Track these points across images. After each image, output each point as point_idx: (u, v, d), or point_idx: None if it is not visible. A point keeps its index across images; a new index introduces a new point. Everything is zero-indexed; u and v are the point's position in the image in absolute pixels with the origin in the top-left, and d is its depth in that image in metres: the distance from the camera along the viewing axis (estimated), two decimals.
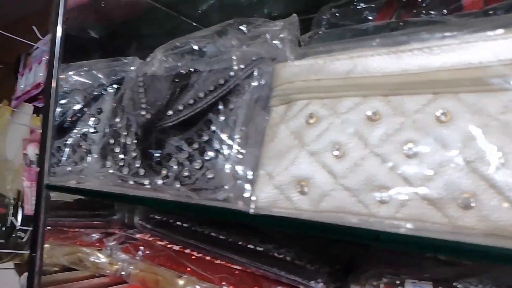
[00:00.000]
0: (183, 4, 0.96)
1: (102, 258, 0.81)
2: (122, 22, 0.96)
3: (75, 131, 0.78)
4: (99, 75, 0.86)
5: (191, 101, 0.60)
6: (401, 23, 0.54)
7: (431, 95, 0.37)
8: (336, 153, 0.40)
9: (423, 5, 0.60)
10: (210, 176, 0.54)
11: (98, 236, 0.82)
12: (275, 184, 0.42)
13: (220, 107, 0.56)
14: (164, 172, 0.60)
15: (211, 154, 0.55)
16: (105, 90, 0.80)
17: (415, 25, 0.53)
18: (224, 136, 0.53)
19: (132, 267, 0.75)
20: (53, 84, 0.71)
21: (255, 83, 0.53)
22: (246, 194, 0.44)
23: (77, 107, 0.80)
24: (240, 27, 0.61)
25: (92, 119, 0.78)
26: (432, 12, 0.60)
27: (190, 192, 0.54)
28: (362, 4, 0.65)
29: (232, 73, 0.58)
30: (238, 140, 0.50)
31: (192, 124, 0.60)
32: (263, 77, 0.52)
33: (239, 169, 0.48)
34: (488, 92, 0.35)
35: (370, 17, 0.64)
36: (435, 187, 0.35)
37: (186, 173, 0.57)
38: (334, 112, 0.41)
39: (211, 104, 0.58)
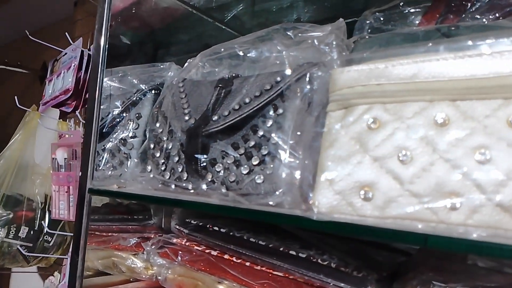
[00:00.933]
0: (216, 10, 0.97)
1: (138, 263, 0.81)
2: (157, 28, 0.97)
3: (114, 136, 0.79)
4: (135, 81, 0.87)
5: (237, 107, 0.60)
6: (453, 28, 0.54)
7: (502, 100, 0.37)
8: (402, 158, 0.39)
9: (472, 9, 0.59)
10: (259, 181, 0.54)
11: (135, 240, 0.82)
12: (336, 189, 0.42)
13: (269, 112, 0.56)
14: (209, 176, 0.60)
15: (260, 159, 0.54)
16: (144, 95, 0.81)
17: (467, 29, 0.53)
18: (275, 141, 0.53)
19: (170, 272, 0.76)
20: (97, 92, 0.72)
21: (307, 88, 0.52)
22: (307, 200, 0.44)
23: (116, 112, 0.80)
24: (287, 31, 0.61)
25: (131, 124, 0.79)
26: (478, 17, 0.59)
27: (239, 197, 0.54)
28: (407, 8, 0.65)
29: (279, 78, 0.58)
30: (291, 145, 0.50)
31: (237, 129, 0.60)
32: (315, 82, 0.52)
33: (294, 174, 0.47)
34: None
35: (416, 21, 0.64)
36: (509, 193, 0.35)
37: (233, 178, 0.57)
38: (399, 117, 0.41)
39: (257, 109, 0.58)
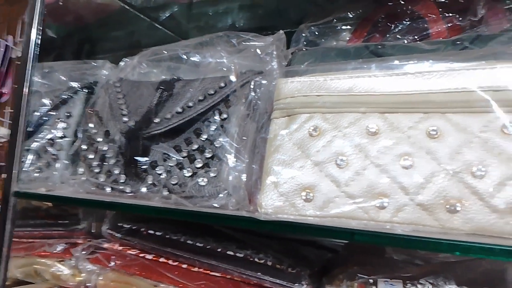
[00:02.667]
0: (152, 9, 0.95)
1: (64, 270, 0.77)
2: (89, 23, 0.93)
3: (40, 136, 0.74)
4: (64, 78, 0.83)
5: (180, 110, 0.61)
6: (379, 46, 0.60)
7: (422, 114, 0.43)
8: (339, 163, 0.44)
9: (395, 30, 0.67)
10: (202, 184, 0.55)
11: (63, 246, 0.78)
12: (281, 191, 0.45)
13: (213, 116, 0.58)
14: (149, 179, 0.60)
15: (203, 162, 0.56)
16: (75, 94, 0.77)
17: (392, 48, 0.59)
18: (220, 144, 0.54)
19: (101, 278, 0.73)
20: (25, 89, 0.67)
21: (251, 95, 0.55)
22: (252, 201, 0.46)
23: (43, 110, 0.76)
24: (231, 39, 0.63)
25: (61, 123, 0.75)
26: (399, 37, 0.67)
27: (182, 199, 0.55)
28: (339, 25, 0.71)
29: (223, 84, 0.60)
30: (237, 149, 0.52)
31: (179, 132, 0.61)
32: (259, 90, 0.55)
33: (240, 177, 0.50)
34: (471, 114, 0.41)
35: (347, 37, 0.70)
36: (427, 194, 0.41)
37: (175, 181, 0.58)
38: (337, 126, 0.45)
39: (201, 113, 0.59)
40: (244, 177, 0.49)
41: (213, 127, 0.57)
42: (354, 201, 0.42)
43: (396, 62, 0.46)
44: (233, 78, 0.59)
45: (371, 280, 0.59)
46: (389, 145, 0.43)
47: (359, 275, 0.61)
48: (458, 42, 0.55)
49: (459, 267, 0.59)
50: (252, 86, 0.56)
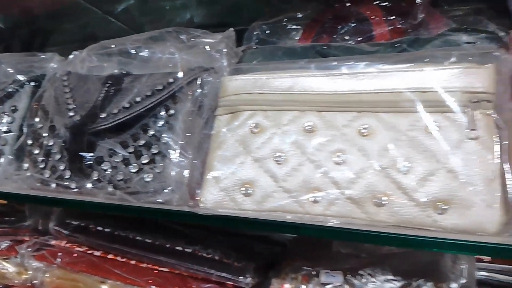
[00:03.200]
0: (105, 1, 0.93)
1: (9, 267, 0.75)
2: (38, 14, 0.90)
3: None
4: (10, 70, 0.80)
5: (127, 105, 0.60)
6: (325, 47, 0.62)
7: (356, 113, 0.45)
8: (277, 159, 0.45)
9: (341, 31, 0.69)
10: (148, 179, 0.55)
11: (7, 244, 0.75)
12: (221, 187, 0.46)
13: (160, 112, 0.58)
14: (95, 175, 0.59)
15: (150, 157, 0.56)
16: (21, 87, 0.74)
17: (336, 49, 0.62)
18: (165, 140, 0.55)
19: (47, 275, 0.71)
20: None
21: (198, 91, 0.56)
22: (194, 197, 0.47)
23: None
24: (180, 35, 0.63)
25: (6, 117, 0.72)
26: (346, 38, 0.70)
27: (127, 195, 0.55)
28: (289, 24, 0.72)
29: (171, 80, 0.60)
30: (181, 145, 0.53)
31: (127, 128, 0.60)
32: (206, 86, 0.55)
33: (183, 172, 0.50)
34: (399, 113, 0.44)
35: (296, 37, 0.72)
36: (357, 188, 0.43)
37: (120, 177, 0.58)
38: (276, 124, 0.47)
39: (148, 108, 0.59)
40: (187, 173, 0.50)
41: (160, 123, 0.57)
42: (290, 196, 0.44)
43: (334, 63, 0.48)
44: (181, 74, 0.59)
45: (314, 272, 0.61)
46: (324, 142, 0.45)
47: (303, 267, 0.63)
48: (397, 45, 0.58)
49: (398, 258, 0.62)
50: (199, 83, 0.57)
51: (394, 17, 0.65)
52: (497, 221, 0.40)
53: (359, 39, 0.67)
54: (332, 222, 0.42)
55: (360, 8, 0.67)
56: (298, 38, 0.72)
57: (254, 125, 0.47)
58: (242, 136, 0.47)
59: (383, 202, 0.42)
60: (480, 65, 0.43)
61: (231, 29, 0.65)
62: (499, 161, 0.41)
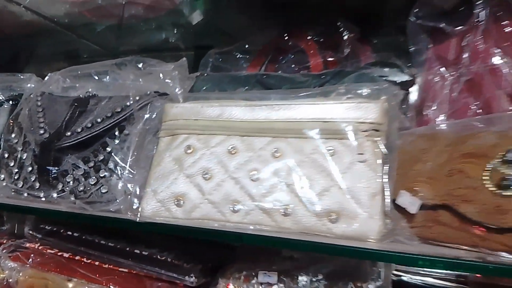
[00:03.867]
0: (80, 27, 1.01)
1: None
2: (17, 37, 0.99)
3: None
4: None
5: (89, 125, 0.69)
6: (264, 76, 0.72)
7: (271, 138, 0.54)
8: (205, 176, 0.54)
9: (283, 62, 0.79)
10: (104, 191, 0.64)
11: None
12: (158, 199, 0.55)
13: (116, 132, 0.67)
14: (60, 186, 0.68)
15: (105, 172, 0.65)
16: (1, 105, 0.83)
17: (273, 78, 0.71)
18: (118, 158, 0.63)
19: (21, 274, 0.80)
20: None
21: (148, 115, 0.65)
22: (135, 207, 0.56)
23: None
24: (137, 64, 0.73)
25: None
26: (286, 67, 0.79)
27: (85, 204, 0.63)
28: (239, 54, 0.82)
29: (128, 103, 0.69)
30: (130, 162, 0.62)
31: (89, 145, 0.69)
32: (154, 111, 0.64)
33: (130, 186, 0.59)
34: (305, 139, 0.53)
35: (244, 65, 0.81)
36: (268, 201, 0.52)
37: (81, 188, 0.66)
38: (206, 146, 0.56)
39: (107, 128, 0.68)
40: (130, 186, 0.59)
41: (116, 141, 0.66)
42: (214, 206, 0.53)
43: (257, 94, 0.57)
44: (137, 98, 0.68)
45: (253, 273, 0.70)
46: (243, 162, 0.54)
47: (246, 269, 0.72)
48: (322, 76, 0.67)
49: (326, 262, 0.71)
50: (149, 107, 0.66)
51: (326, 50, 0.74)
52: (377, 230, 0.49)
53: (297, 68, 0.77)
54: (248, 229, 0.51)
55: (298, 42, 0.76)
56: (247, 66, 0.82)
57: (188, 146, 0.56)
58: (177, 155, 0.56)
59: (288, 212, 0.51)
60: (372, 100, 0.53)
61: (184, 59, 0.74)
62: (381, 180, 0.50)
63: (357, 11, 0.74)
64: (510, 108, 0.52)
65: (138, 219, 0.53)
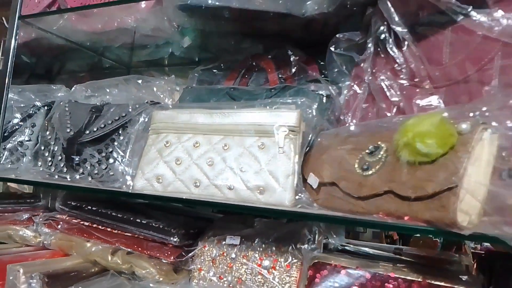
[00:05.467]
0: (100, 48, 1.28)
1: (29, 233, 1.10)
2: (51, 57, 1.26)
3: (13, 139, 1.07)
4: (33, 96, 1.16)
5: (102, 125, 0.94)
6: (232, 89, 0.95)
7: (223, 136, 0.78)
8: (177, 162, 0.78)
9: (250, 78, 1.02)
10: (111, 173, 0.89)
11: (27, 216, 1.11)
12: (145, 178, 0.79)
13: (121, 131, 0.92)
14: (81, 170, 0.94)
15: (112, 160, 0.90)
16: (38, 110, 1.10)
17: (237, 90, 0.94)
18: (121, 150, 0.88)
19: (53, 238, 1.06)
20: (4, 99, 1.00)
21: (142, 119, 0.89)
22: (129, 183, 0.81)
23: (15, 121, 1.09)
24: (138, 80, 0.98)
25: (27, 131, 1.08)
26: (254, 82, 1.02)
27: (98, 183, 0.89)
28: (217, 72, 1.05)
29: (130, 109, 0.94)
30: (128, 153, 0.87)
31: (102, 140, 0.94)
32: (147, 116, 0.89)
33: (127, 169, 0.84)
34: (245, 137, 0.76)
35: (221, 80, 1.05)
36: (218, 180, 0.75)
37: (96, 171, 0.92)
38: (179, 141, 0.80)
39: (115, 128, 0.93)
40: (127, 169, 0.84)
41: (121, 138, 0.91)
42: (182, 183, 0.77)
43: (216, 104, 0.80)
44: (137, 106, 0.93)
45: (223, 237, 0.93)
46: (203, 153, 0.78)
47: (218, 234, 0.95)
48: (272, 90, 0.90)
49: (275, 228, 0.93)
50: (144, 113, 0.90)
51: (280, 69, 0.97)
52: (289, 199, 0.71)
53: (260, 83, 1.00)
54: (204, 199, 0.75)
55: (259, 62, 0.99)
56: (223, 80, 1.05)
57: (167, 141, 0.80)
58: (159, 148, 0.81)
59: (232, 188, 0.74)
60: (292, 110, 0.75)
61: (173, 76, 0.98)
62: (294, 165, 0.73)
63: (304, 41, 0.96)
64: (388, 115, 0.73)
65: (130, 191, 0.78)
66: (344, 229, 1.03)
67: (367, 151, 0.67)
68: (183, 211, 1.22)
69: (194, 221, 1.08)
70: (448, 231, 0.52)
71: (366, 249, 1.02)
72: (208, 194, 0.76)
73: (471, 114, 0.53)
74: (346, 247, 1.01)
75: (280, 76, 0.97)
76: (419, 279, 0.70)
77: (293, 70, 0.94)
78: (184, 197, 0.76)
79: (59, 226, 1.06)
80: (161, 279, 0.89)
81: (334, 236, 0.93)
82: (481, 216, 0.54)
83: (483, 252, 1.03)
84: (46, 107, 1.11)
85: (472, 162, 0.53)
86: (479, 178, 0.53)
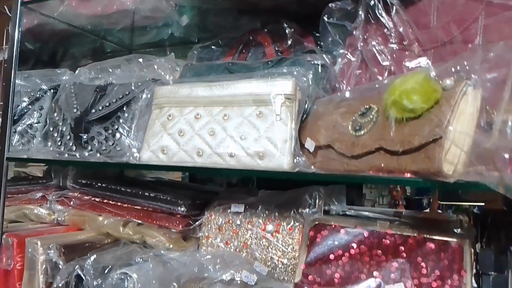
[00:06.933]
0: (101, 30, 1.30)
1: (43, 211, 1.15)
2: (54, 41, 1.30)
3: (23, 122, 1.12)
4: (38, 81, 1.20)
5: (107, 104, 0.98)
6: (230, 64, 0.98)
7: (222, 107, 0.81)
8: (180, 134, 0.82)
9: (248, 52, 1.04)
10: (118, 149, 0.94)
11: (40, 195, 1.16)
12: (151, 150, 0.84)
13: (125, 108, 0.96)
14: (89, 148, 0.98)
15: (119, 136, 0.94)
16: (45, 93, 1.14)
17: (236, 65, 0.97)
18: (126, 125, 0.93)
19: (66, 214, 1.12)
20: (11, 92, 1.04)
21: (145, 95, 0.93)
22: (135, 155, 0.85)
23: (24, 105, 1.13)
24: (139, 59, 1.01)
25: (36, 113, 1.12)
26: (250, 56, 1.04)
27: (106, 158, 0.93)
28: (216, 48, 1.08)
29: (133, 88, 0.98)
30: (134, 127, 0.91)
31: (108, 118, 0.98)
32: (150, 92, 0.93)
33: (133, 142, 0.88)
34: (244, 107, 0.80)
35: (220, 56, 1.07)
36: (220, 148, 0.79)
37: (103, 148, 0.96)
38: (181, 114, 0.84)
39: (119, 106, 0.97)
40: (134, 142, 0.88)
41: (125, 115, 0.95)
42: (186, 153, 0.81)
43: (215, 78, 0.84)
44: (139, 83, 0.97)
45: (229, 207, 0.98)
46: (204, 124, 0.81)
47: (223, 204, 1.00)
48: (269, 63, 0.93)
49: (277, 196, 0.97)
50: (147, 90, 0.94)
51: (276, 42, 1.00)
52: (287, 163, 0.75)
53: (258, 56, 1.03)
54: (206, 167, 0.79)
55: (256, 37, 1.02)
56: (222, 57, 1.08)
57: (169, 115, 0.84)
58: (163, 121, 0.85)
59: (233, 155, 0.78)
60: (288, 79, 0.79)
61: (172, 53, 1.02)
62: (290, 131, 0.76)
63: (299, 14, 0.99)
64: (380, 79, 0.76)
65: (137, 162, 0.83)
66: (345, 195, 1.07)
67: (359, 113, 0.71)
68: (189, 186, 1.27)
69: (200, 194, 1.13)
70: (434, 180, 0.56)
71: (367, 213, 1.07)
72: (211, 162, 0.80)
73: (453, 70, 0.56)
74: (347, 212, 1.05)
75: (277, 49, 0.99)
76: (415, 234, 0.74)
77: (289, 42, 0.97)
78: (189, 165, 0.81)
79: (72, 203, 1.11)
80: (171, 246, 0.94)
81: (336, 202, 0.97)
82: (466, 166, 0.57)
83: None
84: (52, 90, 1.15)
85: (457, 115, 0.57)
86: (463, 130, 0.56)
